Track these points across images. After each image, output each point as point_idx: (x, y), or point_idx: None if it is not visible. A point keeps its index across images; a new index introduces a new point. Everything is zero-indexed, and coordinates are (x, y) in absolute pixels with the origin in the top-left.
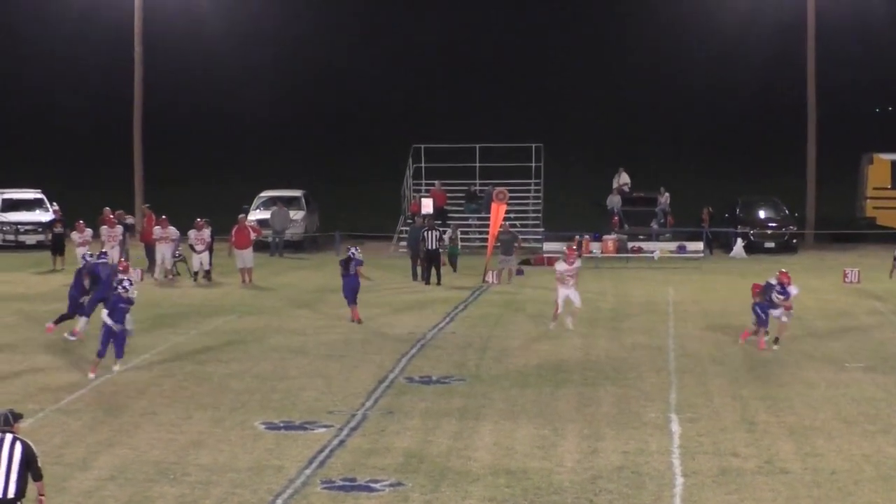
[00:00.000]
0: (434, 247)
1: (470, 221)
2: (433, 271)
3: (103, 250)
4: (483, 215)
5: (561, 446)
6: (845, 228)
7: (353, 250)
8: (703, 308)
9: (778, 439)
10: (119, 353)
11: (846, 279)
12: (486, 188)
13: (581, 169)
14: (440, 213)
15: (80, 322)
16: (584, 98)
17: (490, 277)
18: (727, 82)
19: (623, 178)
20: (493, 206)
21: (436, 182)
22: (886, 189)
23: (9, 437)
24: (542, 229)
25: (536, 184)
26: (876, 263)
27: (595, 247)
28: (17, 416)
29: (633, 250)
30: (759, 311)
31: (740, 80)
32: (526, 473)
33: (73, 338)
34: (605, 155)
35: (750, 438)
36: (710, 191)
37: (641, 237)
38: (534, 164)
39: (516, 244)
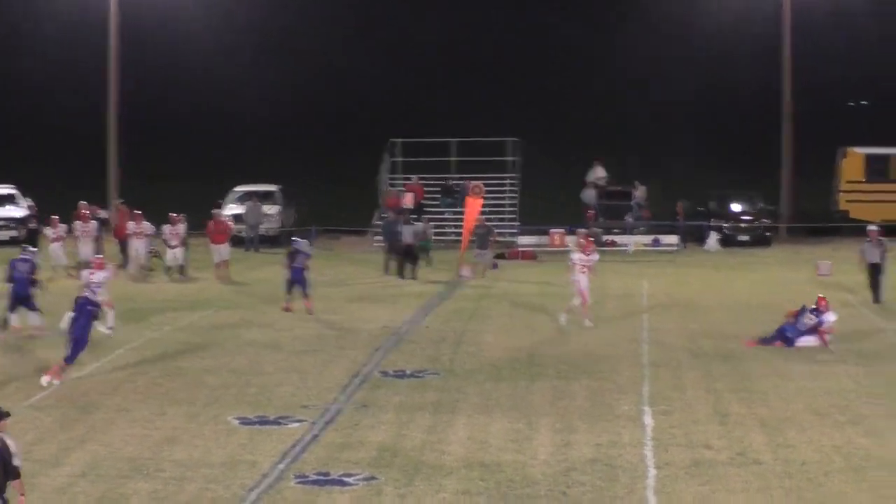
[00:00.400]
0: (410, 241)
1: (446, 216)
2: (408, 266)
3: (29, 247)
4: (459, 209)
5: (535, 439)
6: (820, 222)
7: (298, 242)
8: (677, 301)
9: (750, 431)
10: (69, 358)
11: (819, 272)
12: (462, 182)
13: (557, 163)
14: (418, 207)
15: (32, 317)
16: (559, 93)
17: (465, 271)
18: (704, 77)
19: (598, 172)
20: (469, 200)
21: (413, 177)
22: (860, 182)
23: None
24: (517, 223)
25: (512, 178)
26: (848, 256)
27: (570, 240)
28: (4, 414)
29: (607, 244)
30: (786, 333)
31: (717, 74)
32: (499, 466)
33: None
34: (581, 149)
35: (722, 430)
36: (685, 184)
37: (616, 230)
38: (510, 159)
39: (491, 238)
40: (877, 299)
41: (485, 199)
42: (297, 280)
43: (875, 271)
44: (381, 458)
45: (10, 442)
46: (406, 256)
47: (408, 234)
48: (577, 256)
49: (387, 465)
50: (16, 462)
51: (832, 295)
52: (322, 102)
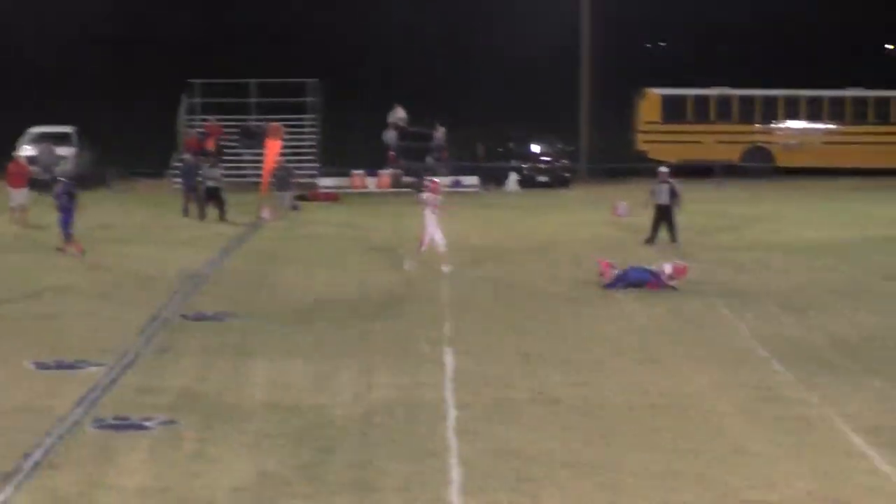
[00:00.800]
0: (215, 184)
1: (246, 157)
2: (211, 207)
3: None
4: (258, 151)
5: (336, 381)
6: (618, 163)
7: (62, 180)
8: (477, 242)
9: (551, 371)
10: None
11: (617, 212)
12: (261, 124)
13: (358, 105)
14: (217, 149)
15: None
16: (359, 34)
17: (265, 213)
18: (503, 17)
19: (399, 113)
20: (269, 141)
21: (211, 118)
22: (657, 123)
23: None
24: (318, 165)
25: (312, 119)
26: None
27: (371, 182)
28: None
29: (407, 185)
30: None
31: (516, 12)
32: (301, 409)
33: None
34: (382, 91)
35: (524, 371)
36: (486, 126)
37: (417, 172)
38: (309, 100)
39: (292, 180)
40: (674, 239)
41: (285, 140)
42: (62, 218)
43: (663, 213)
44: (181, 402)
45: None
46: (210, 199)
47: (212, 176)
48: (426, 195)
49: (187, 409)
50: None
51: (631, 236)
52: (118, 42)
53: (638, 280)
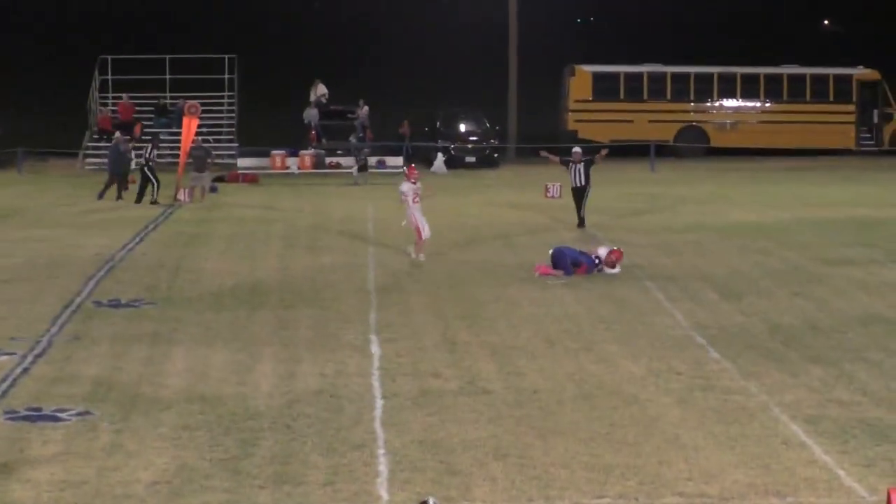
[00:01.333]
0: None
1: (161, 137)
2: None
3: None
4: (174, 130)
5: (257, 371)
6: (548, 142)
7: None
8: (402, 226)
9: (479, 359)
10: None
11: (548, 193)
12: (177, 102)
13: (276, 81)
14: (127, 127)
15: None
16: (279, 8)
17: (182, 195)
18: None
19: (320, 90)
20: (185, 120)
21: (123, 95)
22: (588, 101)
23: None
24: (236, 145)
25: (230, 97)
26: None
27: (291, 162)
28: None
29: (330, 166)
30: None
31: None
32: (221, 399)
33: None
34: (303, 67)
35: (451, 359)
36: (411, 103)
37: (340, 152)
38: (227, 76)
39: (209, 160)
40: (581, 224)
41: (201, 119)
42: None
43: (578, 195)
44: (96, 393)
45: None
46: (143, 180)
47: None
48: (406, 186)
49: (102, 399)
50: None
51: (563, 217)
52: (27, 14)
53: (574, 260)
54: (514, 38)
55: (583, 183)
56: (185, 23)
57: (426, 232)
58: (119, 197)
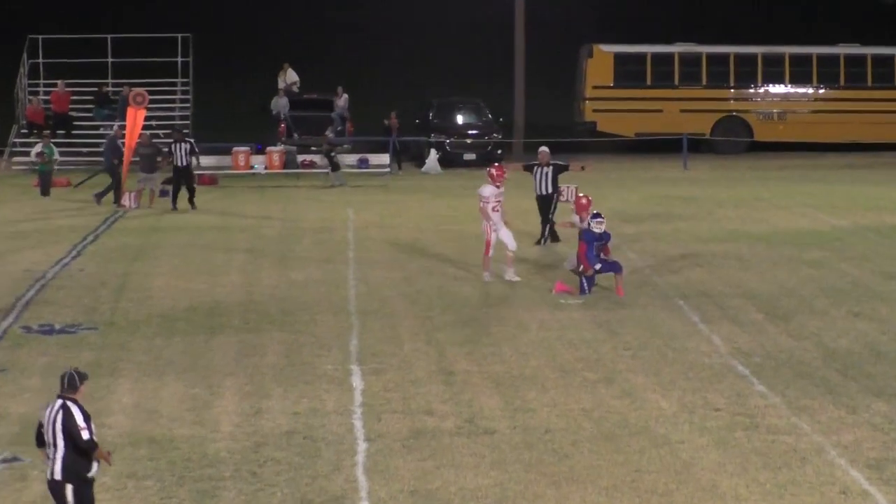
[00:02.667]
0: (185, 162)
1: (102, 131)
2: (183, 192)
3: None
4: (119, 123)
5: (216, 407)
6: (561, 136)
7: None
8: (390, 235)
9: (481, 393)
10: None
11: (561, 198)
12: (120, 90)
13: (239, 66)
14: (63, 120)
15: None
16: None
17: (126, 200)
18: None
19: (290, 76)
20: (129, 111)
21: (58, 82)
22: (608, 88)
23: (58, 403)
24: (191, 140)
25: (184, 84)
26: (598, 179)
27: (257, 161)
28: (83, 377)
29: (303, 164)
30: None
31: None
32: (173, 442)
33: None
34: (269, 49)
35: (447, 392)
36: (398, 91)
37: (314, 149)
38: (180, 60)
39: (159, 159)
40: (541, 239)
41: (149, 110)
42: None
43: (545, 204)
44: (26, 435)
45: (74, 411)
46: (181, 180)
47: (180, 154)
48: (488, 191)
49: (32, 442)
50: (85, 435)
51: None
52: None
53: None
54: (521, 13)
55: (549, 191)
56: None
57: (512, 244)
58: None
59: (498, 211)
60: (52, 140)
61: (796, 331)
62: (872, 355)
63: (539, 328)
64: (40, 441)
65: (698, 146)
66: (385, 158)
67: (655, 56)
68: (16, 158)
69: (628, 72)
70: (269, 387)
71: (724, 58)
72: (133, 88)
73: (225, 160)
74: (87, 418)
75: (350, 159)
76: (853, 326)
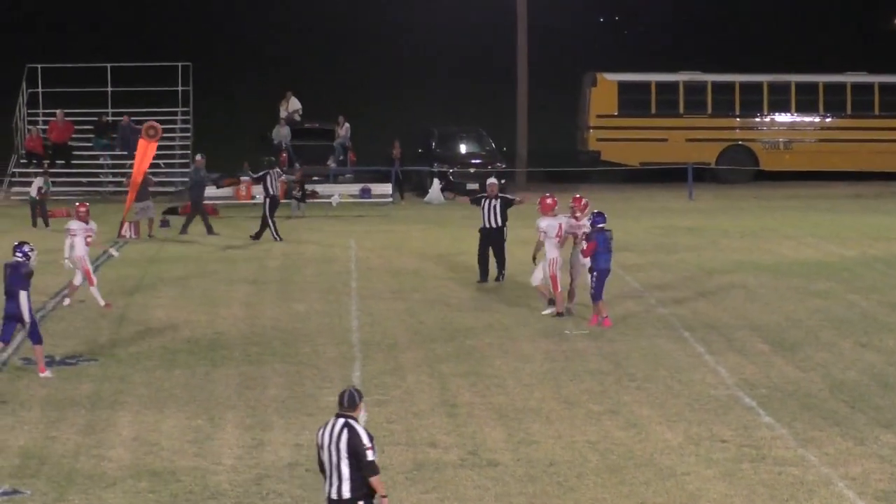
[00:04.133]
0: (275, 192)
1: (102, 161)
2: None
3: None
4: (118, 153)
5: (218, 439)
6: (565, 165)
7: None
8: (392, 266)
9: (484, 425)
10: None
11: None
12: (119, 119)
13: (242, 94)
14: (62, 150)
15: None
16: (242, 12)
17: (126, 231)
18: None
19: (293, 104)
20: (141, 143)
21: (57, 112)
22: (612, 117)
23: (340, 422)
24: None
25: (185, 113)
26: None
27: (259, 191)
28: (361, 395)
29: (308, 195)
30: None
31: None
32: (175, 475)
33: None
34: (271, 78)
35: (451, 424)
36: (401, 121)
37: (316, 178)
38: (180, 88)
39: (149, 188)
40: (483, 278)
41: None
42: None
43: (488, 238)
44: (26, 467)
45: (359, 430)
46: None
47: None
48: (545, 223)
49: (32, 475)
50: (370, 456)
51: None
52: None
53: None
54: (524, 42)
55: (498, 223)
56: (127, 24)
57: (536, 278)
58: (210, 231)
59: (557, 246)
60: (50, 170)
61: (803, 362)
62: (880, 387)
63: (543, 359)
64: (322, 466)
65: (703, 175)
66: (387, 188)
67: (660, 84)
68: (15, 189)
69: (633, 100)
70: (270, 419)
71: (729, 86)
72: (148, 122)
73: (227, 190)
74: (371, 438)
75: (352, 189)
76: (861, 357)
